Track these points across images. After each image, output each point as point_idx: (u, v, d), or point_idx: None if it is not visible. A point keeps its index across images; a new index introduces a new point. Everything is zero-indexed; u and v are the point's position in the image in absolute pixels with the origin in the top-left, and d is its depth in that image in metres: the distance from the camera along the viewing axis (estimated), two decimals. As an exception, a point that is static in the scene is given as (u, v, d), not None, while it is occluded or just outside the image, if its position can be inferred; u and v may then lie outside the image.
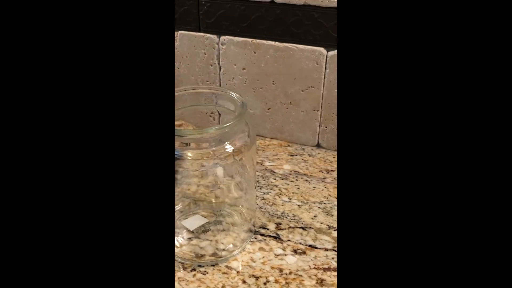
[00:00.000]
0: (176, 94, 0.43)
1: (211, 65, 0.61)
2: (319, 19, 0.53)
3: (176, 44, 0.62)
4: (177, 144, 0.39)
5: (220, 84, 0.62)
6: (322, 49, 0.55)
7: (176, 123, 0.45)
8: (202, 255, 0.43)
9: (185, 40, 0.61)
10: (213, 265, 0.43)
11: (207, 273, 0.42)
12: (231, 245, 0.44)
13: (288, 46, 0.56)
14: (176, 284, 0.41)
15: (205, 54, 0.61)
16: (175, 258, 0.44)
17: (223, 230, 0.46)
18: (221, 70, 0.61)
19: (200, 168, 0.41)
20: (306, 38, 0.55)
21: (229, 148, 0.39)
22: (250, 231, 0.46)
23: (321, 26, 0.53)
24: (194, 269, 0.43)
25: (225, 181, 0.45)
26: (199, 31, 0.60)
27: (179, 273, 0.42)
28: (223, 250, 0.44)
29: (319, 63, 0.55)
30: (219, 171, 0.43)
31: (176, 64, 0.63)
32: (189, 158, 0.39)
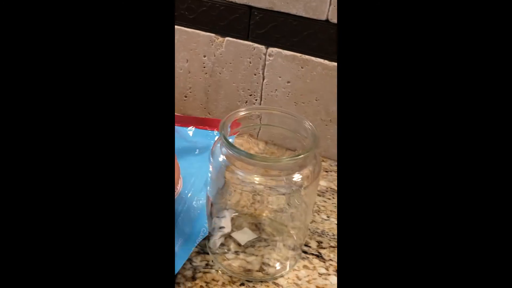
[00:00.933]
0: (249, 112, 0.43)
1: (255, 75, 0.62)
2: (373, 44, 0.54)
3: (221, 49, 0.62)
4: (248, 168, 0.39)
5: (261, 94, 0.63)
6: (371, 73, 0.56)
7: (242, 137, 0.46)
8: (249, 270, 0.45)
9: (231, 47, 0.61)
10: (261, 281, 0.44)
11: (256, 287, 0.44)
12: (278, 263, 0.45)
13: (336, 65, 0.57)
14: (227, 297, 0.42)
15: (250, 63, 0.61)
16: (225, 270, 0.45)
17: (271, 247, 0.47)
18: (265, 81, 0.61)
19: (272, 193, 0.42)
20: (357, 60, 0.55)
21: (297, 177, 0.40)
22: (299, 252, 0.47)
23: (373, 51, 0.54)
24: (243, 284, 0.44)
25: (289, 209, 0.46)
26: (247, 39, 0.60)
27: (228, 287, 0.43)
28: (270, 266, 0.45)
29: (366, 85, 0.56)
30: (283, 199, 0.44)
31: (218, 69, 0.63)
32: (256, 182, 0.39)
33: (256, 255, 0.46)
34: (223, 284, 0.44)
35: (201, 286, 0.43)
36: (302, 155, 0.39)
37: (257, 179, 0.40)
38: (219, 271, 0.45)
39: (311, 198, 0.44)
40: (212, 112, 0.68)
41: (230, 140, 0.40)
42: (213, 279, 0.44)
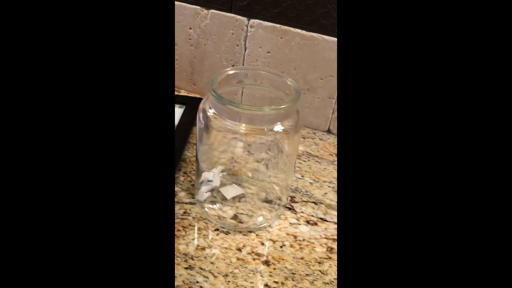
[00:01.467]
0: (234, 71, 0.46)
1: (237, 45, 0.65)
2: (347, 14, 0.57)
3: (206, 21, 0.65)
4: (230, 115, 0.42)
5: (243, 64, 0.66)
6: (345, 42, 0.59)
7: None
8: (228, 217, 0.48)
9: (215, 19, 0.64)
10: (234, 230, 0.47)
11: (229, 233, 0.47)
12: (261, 218, 0.48)
13: (314, 35, 0.60)
14: (201, 239, 0.45)
15: (233, 34, 0.64)
16: (213, 221, 0.48)
17: (251, 201, 0.50)
18: (246, 51, 0.65)
19: (254, 143, 0.45)
20: (332, 30, 0.59)
21: (279, 128, 0.43)
22: (280, 209, 0.50)
23: (347, 21, 0.57)
24: (217, 229, 0.47)
25: (271, 158, 0.49)
26: (230, 12, 0.63)
27: (204, 231, 0.46)
28: (249, 217, 0.48)
29: (341, 54, 0.59)
30: (265, 148, 0.47)
31: (203, 41, 0.66)
32: (242, 130, 0.42)
33: (236, 207, 0.49)
34: (199, 229, 0.47)
35: (178, 230, 0.46)
36: (284, 105, 0.42)
37: (243, 127, 0.43)
38: (195, 219, 0.48)
39: (292, 152, 0.47)
40: (197, 83, 0.71)
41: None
42: (189, 224, 0.47)
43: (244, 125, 0.42)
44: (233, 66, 0.67)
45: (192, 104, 0.67)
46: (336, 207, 0.52)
